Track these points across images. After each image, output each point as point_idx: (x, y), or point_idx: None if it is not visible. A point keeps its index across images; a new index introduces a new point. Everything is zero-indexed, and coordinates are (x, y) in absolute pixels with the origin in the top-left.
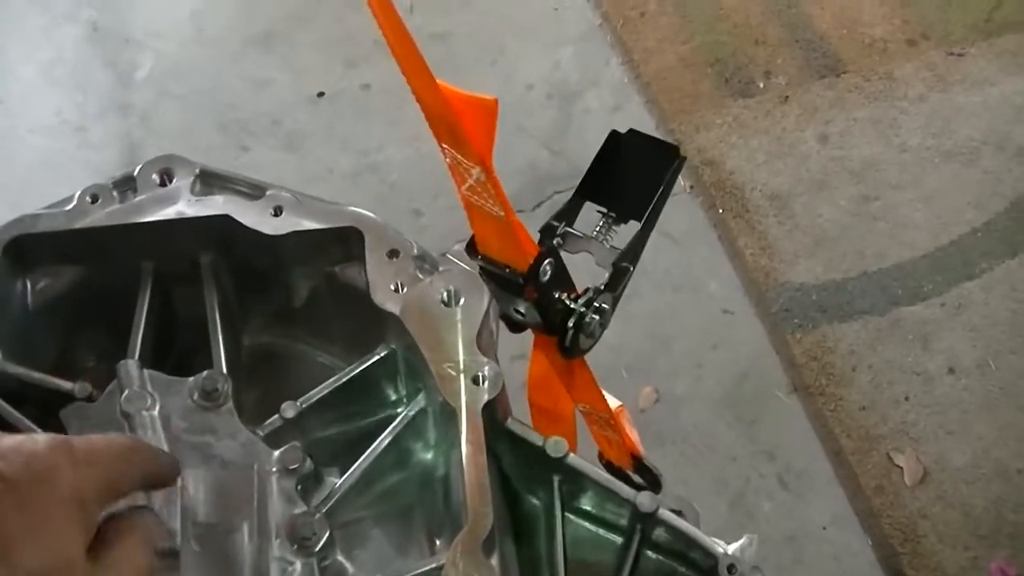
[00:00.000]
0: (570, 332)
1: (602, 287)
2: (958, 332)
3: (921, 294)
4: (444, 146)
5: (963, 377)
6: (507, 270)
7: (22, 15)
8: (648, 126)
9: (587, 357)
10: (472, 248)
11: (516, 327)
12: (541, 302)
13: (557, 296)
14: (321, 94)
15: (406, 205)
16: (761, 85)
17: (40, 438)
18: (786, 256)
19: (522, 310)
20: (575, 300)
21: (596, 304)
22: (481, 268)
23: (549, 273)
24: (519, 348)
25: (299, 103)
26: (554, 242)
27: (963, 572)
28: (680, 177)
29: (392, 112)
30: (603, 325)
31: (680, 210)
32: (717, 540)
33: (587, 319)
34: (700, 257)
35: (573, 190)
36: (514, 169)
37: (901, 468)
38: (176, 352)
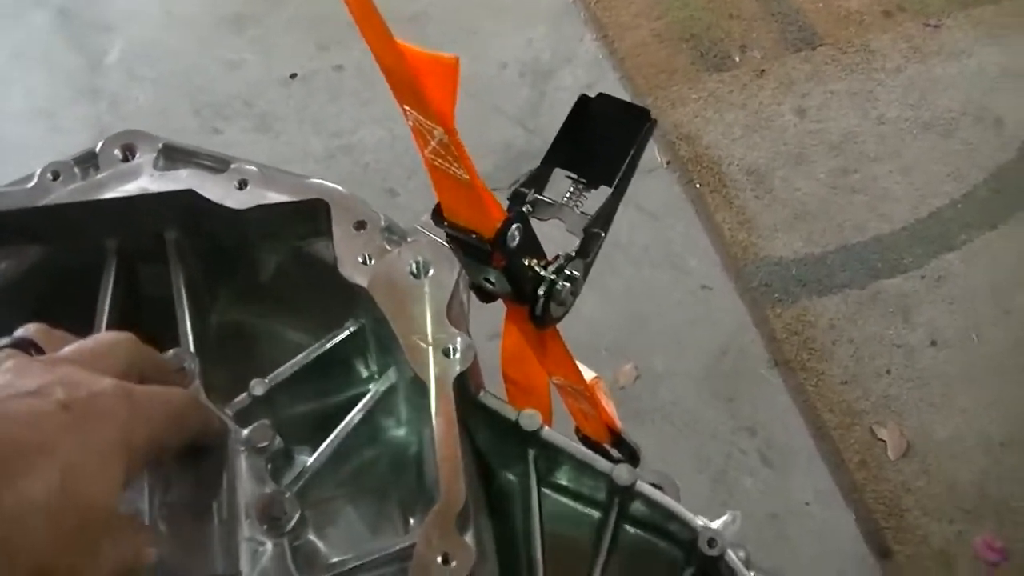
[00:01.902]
0: (541, 300)
1: (573, 254)
2: (939, 304)
3: (901, 267)
4: (405, 107)
5: (945, 349)
6: (474, 236)
7: None
8: None
9: (566, 334)
10: (438, 215)
11: (486, 296)
12: (510, 269)
13: (526, 263)
14: (294, 76)
15: (380, 185)
16: (737, 59)
17: (107, 382)
18: (764, 230)
19: (492, 279)
20: (545, 267)
21: (567, 271)
22: (448, 235)
23: (517, 239)
24: (495, 327)
25: (272, 85)
26: (524, 209)
27: (948, 545)
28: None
29: (365, 93)
30: (574, 293)
31: (657, 185)
32: (699, 516)
33: (558, 286)
34: (678, 233)
35: (525, 180)
36: (489, 147)
37: (884, 442)
38: (144, 331)
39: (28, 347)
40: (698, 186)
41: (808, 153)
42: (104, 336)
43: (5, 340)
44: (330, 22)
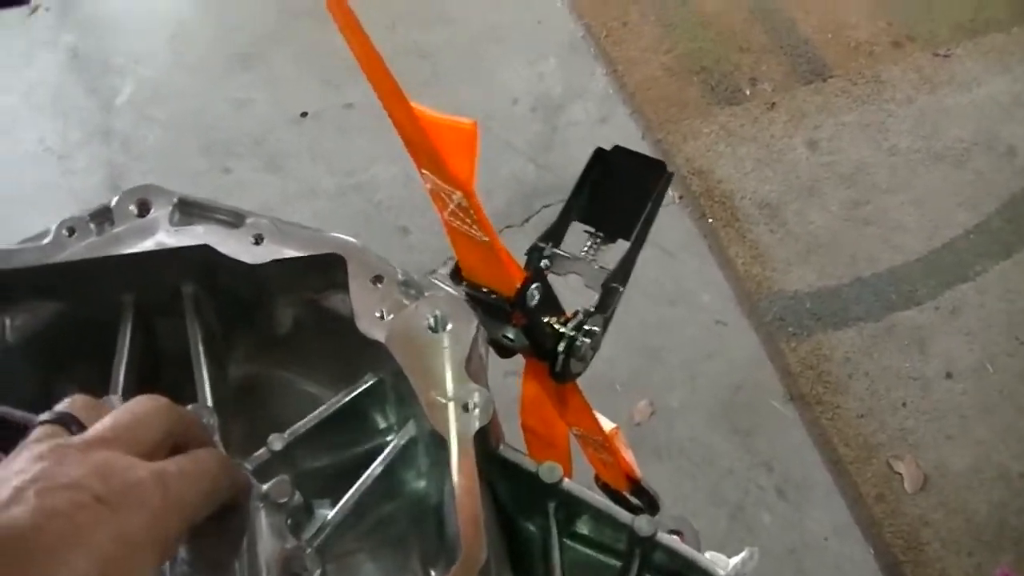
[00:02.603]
0: (560, 357)
1: (592, 309)
2: (954, 336)
3: (915, 298)
4: (424, 172)
5: (961, 381)
6: (493, 296)
7: (1, 41)
8: (635, 136)
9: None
10: (457, 274)
11: (505, 352)
12: (530, 327)
13: (546, 321)
14: (304, 114)
15: (393, 223)
16: (747, 92)
17: (144, 471)
18: (778, 264)
19: (511, 336)
20: (564, 324)
21: (586, 327)
22: (467, 294)
23: (537, 298)
24: (512, 365)
25: (282, 123)
26: (541, 264)
27: None
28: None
29: (376, 131)
30: (594, 348)
31: (670, 221)
32: (718, 555)
33: (578, 343)
34: (691, 268)
35: (561, 204)
36: (501, 184)
37: (901, 475)
38: (162, 386)
39: (69, 423)
40: (711, 221)
41: (820, 186)
42: (139, 407)
43: (47, 415)
44: (338, 59)
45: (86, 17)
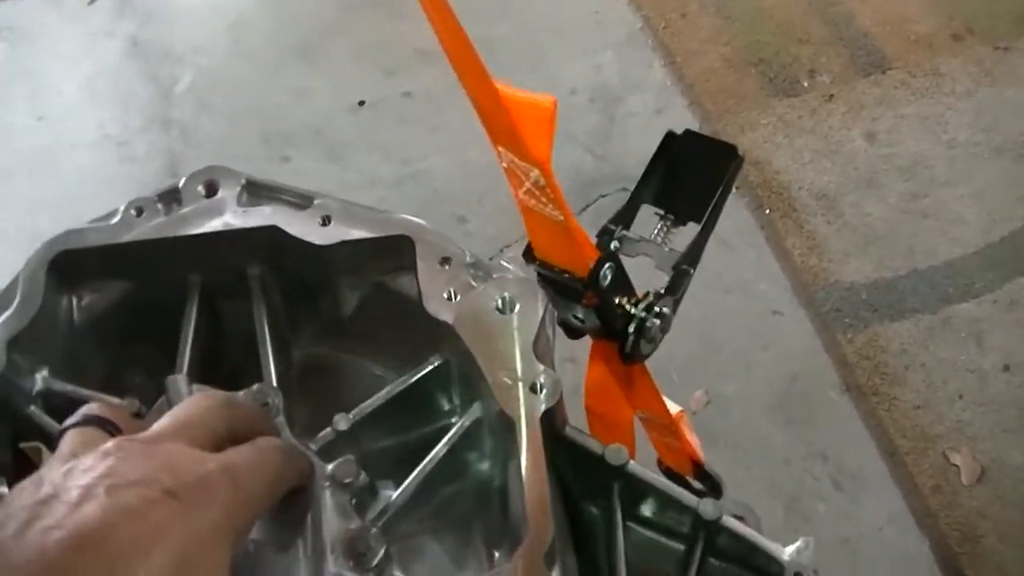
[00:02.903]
0: (631, 338)
1: (662, 291)
2: (1012, 329)
3: (973, 291)
4: (500, 149)
5: (1018, 374)
6: (566, 275)
7: (61, 31)
8: (692, 128)
9: None
10: (529, 254)
11: (574, 333)
12: (601, 307)
13: (617, 301)
14: (362, 103)
15: (450, 211)
16: (805, 84)
17: (212, 463)
18: (835, 255)
19: (581, 316)
20: (635, 305)
21: (657, 308)
22: (539, 274)
23: (609, 278)
24: (568, 351)
25: (340, 112)
26: (612, 246)
27: None
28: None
29: (434, 119)
30: (664, 330)
31: (727, 211)
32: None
33: (648, 323)
34: (748, 258)
35: (619, 193)
36: (559, 173)
37: (958, 467)
38: (225, 367)
39: (101, 423)
40: (768, 211)
41: (878, 178)
42: (196, 403)
43: (75, 418)
44: (396, 48)
45: (145, 6)
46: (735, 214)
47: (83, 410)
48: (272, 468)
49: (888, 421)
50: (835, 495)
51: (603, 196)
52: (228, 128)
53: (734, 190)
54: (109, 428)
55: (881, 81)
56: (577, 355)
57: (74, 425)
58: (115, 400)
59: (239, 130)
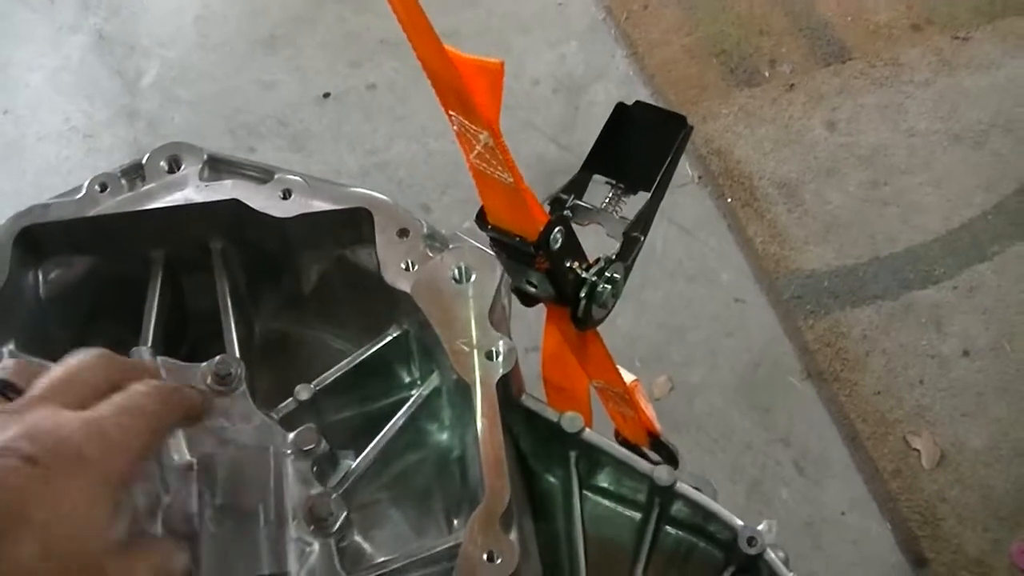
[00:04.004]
0: (582, 302)
1: (613, 256)
2: (971, 315)
3: (933, 277)
4: (451, 112)
5: (978, 359)
6: (518, 239)
7: (28, 24)
8: None
9: None
10: (482, 219)
11: (528, 300)
12: (552, 271)
13: (568, 265)
14: (327, 95)
15: (414, 200)
16: (766, 74)
17: (75, 422)
18: (796, 243)
19: (534, 282)
20: (586, 270)
21: (608, 273)
22: (491, 239)
23: (560, 241)
24: (533, 340)
25: (305, 104)
26: (564, 213)
27: (984, 554)
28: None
29: (398, 110)
30: (615, 295)
31: (689, 200)
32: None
33: (599, 288)
34: (710, 247)
35: (564, 186)
36: (523, 163)
37: (918, 451)
38: (188, 340)
39: (5, 389)
40: (730, 200)
41: (839, 166)
42: (72, 360)
43: None
44: (362, 40)
45: (111, 0)
46: (697, 203)
47: None
48: (146, 413)
49: (849, 406)
50: (797, 479)
51: None
52: (194, 120)
53: (696, 180)
54: (8, 393)
55: (841, 71)
56: (537, 343)
57: None
58: (35, 360)
59: (205, 122)
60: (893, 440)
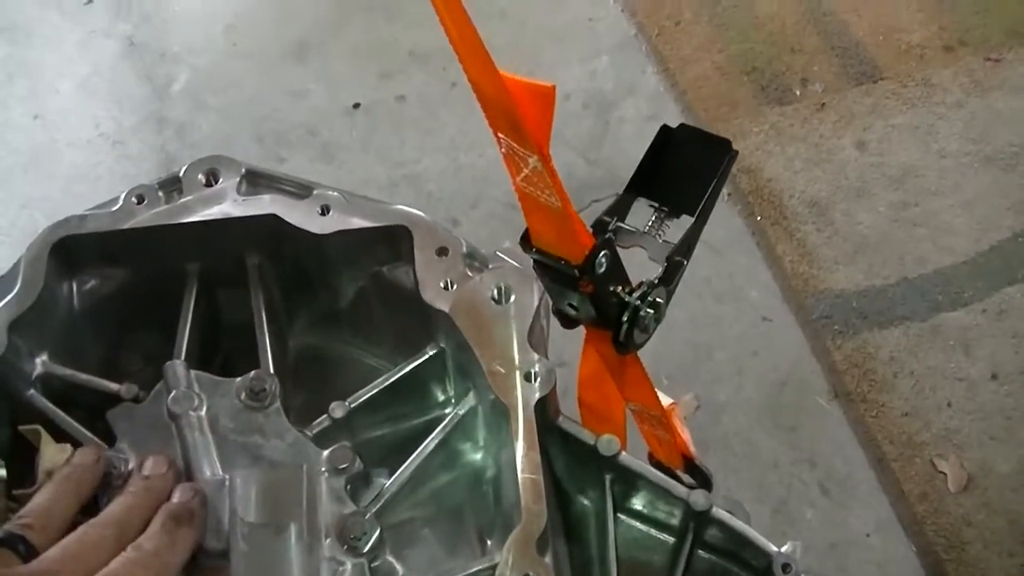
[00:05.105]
0: (624, 326)
1: (656, 281)
2: (1000, 338)
3: (962, 300)
4: (500, 135)
5: (1006, 383)
6: (562, 262)
7: (58, 31)
8: None
9: None
10: (526, 241)
11: (569, 322)
12: (596, 295)
13: (612, 289)
14: (357, 105)
15: (444, 214)
16: (798, 92)
17: None
18: (825, 263)
19: (576, 304)
20: (629, 294)
21: (650, 298)
22: (535, 261)
23: (605, 265)
24: (558, 356)
25: (335, 114)
26: (608, 236)
27: None
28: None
29: (428, 123)
30: (657, 319)
31: (719, 218)
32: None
33: (642, 312)
34: (739, 265)
35: (611, 199)
36: None
37: (945, 474)
38: (222, 355)
39: (16, 543)
40: (759, 219)
41: (869, 186)
42: (89, 534)
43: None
44: (392, 51)
45: (142, 7)
46: (726, 221)
47: (7, 525)
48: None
49: (876, 428)
50: (822, 500)
51: (596, 201)
52: (223, 128)
53: (726, 197)
54: (21, 549)
55: (872, 91)
56: (567, 359)
57: None
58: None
59: (234, 130)
60: (920, 463)
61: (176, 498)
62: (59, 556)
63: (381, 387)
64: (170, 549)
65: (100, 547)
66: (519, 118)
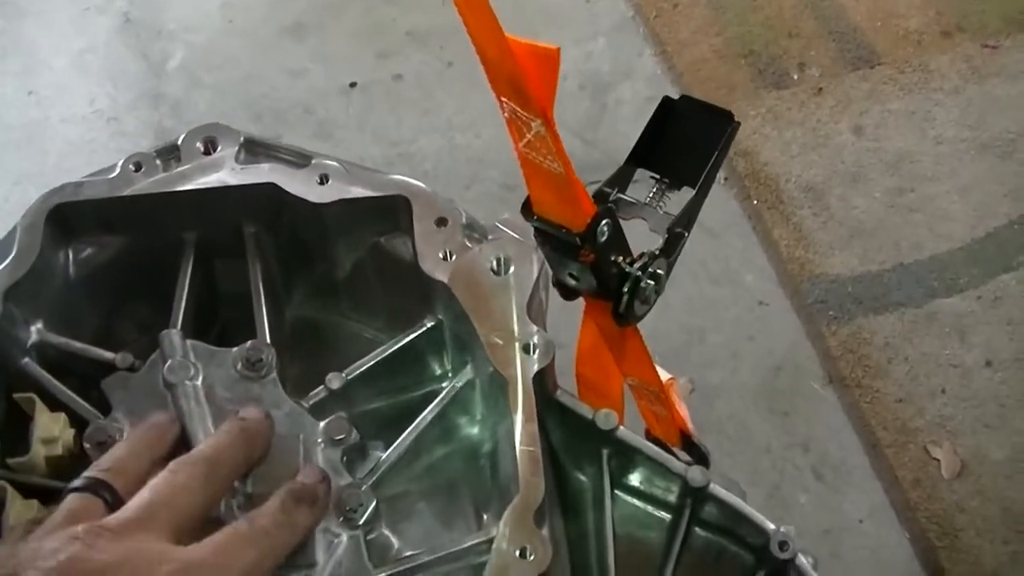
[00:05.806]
0: (625, 297)
1: (657, 252)
2: (995, 325)
3: (958, 286)
4: (503, 99)
5: (1001, 370)
6: (563, 230)
7: (54, 6)
8: None
9: None
10: (527, 209)
11: (569, 293)
12: (597, 264)
13: (613, 259)
14: (353, 84)
15: (440, 193)
16: (795, 77)
17: (174, 563)
18: (821, 248)
19: (576, 274)
20: (631, 264)
21: (651, 269)
22: (536, 229)
23: (606, 234)
24: (556, 336)
25: (331, 93)
26: (609, 206)
27: (1002, 567)
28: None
29: (424, 103)
30: (658, 291)
31: (715, 201)
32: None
33: (643, 283)
34: (735, 249)
35: (608, 180)
36: None
37: (938, 461)
38: (219, 325)
39: (101, 490)
40: (755, 202)
41: (865, 172)
42: (178, 475)
43: (79, 481)
44: (389, 31)
45: None
46: (723, 204)
47: (88, 473)
48: (243, 561)
49: (870, 414)
50: (816, 486)
51: (594, 182)
52: (219, 105)
53: (722, 181)
54: (106, 496)
55: (870, 76)
56: (564, 340)
57: (75, 489)
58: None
59: (230, 107)
60: (913, 449)
61: (301, 478)
62: (148, 505)
63: (378, 359)
64: (283, 529)
65: (191, 489)
66: (523, 81)
